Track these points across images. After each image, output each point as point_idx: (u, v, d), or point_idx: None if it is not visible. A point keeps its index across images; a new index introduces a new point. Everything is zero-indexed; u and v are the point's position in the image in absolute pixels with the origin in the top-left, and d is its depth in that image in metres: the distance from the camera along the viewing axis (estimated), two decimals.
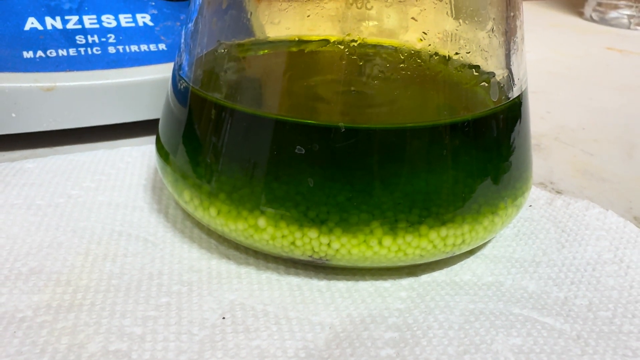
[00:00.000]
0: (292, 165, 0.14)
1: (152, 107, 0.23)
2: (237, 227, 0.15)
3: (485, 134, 0.15)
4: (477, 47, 0.14)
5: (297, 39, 0.15)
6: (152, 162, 0.21)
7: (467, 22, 0.14)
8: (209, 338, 0.12)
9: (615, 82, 0.38)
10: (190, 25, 0.16)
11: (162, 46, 0.24)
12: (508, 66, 0.15)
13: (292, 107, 0.14)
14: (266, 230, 0.14)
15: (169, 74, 0.23)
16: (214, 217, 0.15)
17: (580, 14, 0.62)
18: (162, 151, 0.17)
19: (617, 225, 0.18)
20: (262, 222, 0.14)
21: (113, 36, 0.23)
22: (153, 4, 0.25)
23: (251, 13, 0.16)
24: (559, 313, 0.14)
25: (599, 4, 0.58)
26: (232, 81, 0.15)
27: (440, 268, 0.16)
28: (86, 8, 0.23)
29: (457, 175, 0.14)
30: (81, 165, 0.20)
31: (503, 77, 0.15)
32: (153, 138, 0.24)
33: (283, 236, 0.14)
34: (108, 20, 0.23)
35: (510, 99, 0.15)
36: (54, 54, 0.22)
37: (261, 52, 0.17)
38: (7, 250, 0.15)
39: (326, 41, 0.14)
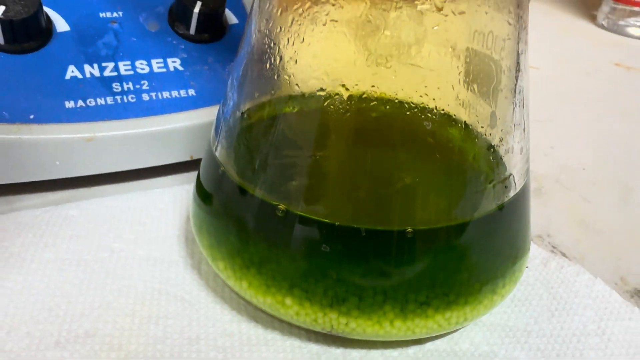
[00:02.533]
0: (318, 258, 0.16)
1: (181, 152, 0.25)
2: (265, 301, 0.17)
3: (490, 229, 0.17)
4: (490, 155, 0.16)
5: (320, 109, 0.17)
6: (182, 209, 0.23)
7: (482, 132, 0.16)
8: None
9: (619, 108, 0.39)
10: (226, 111, 0.18)
11: (191, 92, 0.25)
12: (516, 169, 0.17)
13: (316, 206, 0.16)
14: (292, 307, 0.16)
15: (198, 121, 0.25)
16: (244, 288, 0.17)
17: (593, 18, 0.63)
18: (197, 217, 0.19)
19: (603, 294, 0.20)
20: (288, 300, 0.16)
21: (146, 83, 0.25)
22: (182, 47, 0.26)
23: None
24: None
25: (612, 11, 0.59)
26: (258, 171, 0.17)
27: (443, 336, 0.18)
28: (121, 54, 0.25)
29: (462, 266, 0.16)
30: (119, 213, 0.22)
31: (511, 178, 0.17)
32: (181, 177, 0.26)
33: (307, 314, 0.16)
34: (141, 66, 0.25)
35: (514, 193, 0.17)
36: (93, 103, 0.23)
37: (286, 126, 0.19)
38: (64, 310, 0.17)
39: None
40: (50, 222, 0.21)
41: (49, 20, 0.24)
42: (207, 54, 0.26)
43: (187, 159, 0.25)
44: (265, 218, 0.16)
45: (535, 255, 0.22)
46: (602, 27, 0.60)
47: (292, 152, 0.17)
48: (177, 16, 0.26)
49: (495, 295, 0.17)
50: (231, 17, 0.28)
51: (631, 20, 0.57)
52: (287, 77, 0.17)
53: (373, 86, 0.16)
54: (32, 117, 0.22)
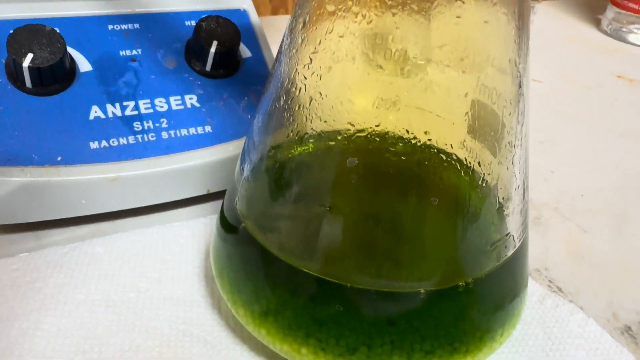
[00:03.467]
0: (331, 313, 0.17)
1: (198, 186, 0.26)
2: (282, 348, 0.18)
3: (491, 284, 0.18)
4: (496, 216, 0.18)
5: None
6: (201, 244, 0.24)
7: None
8: None
9: (619, 125, 0.40)
10: (245, 169, 0.19)
11: (207, 128, 0.26)
12: (515, 228, 0.18)
13: (330, 268, 0.17)
14: (307, 356, 0.18)
15: (215, 158, 0.26)
16: (263, 335, 0.19)
17: (597, 22, 0.63)
18: (218, 261, 0.20)
19: (595, 334, 0.21)
20: (304, 350, 0.18)
21: (165, 120, 0.26)
22: (199, 83, 0.27)
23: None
24: None
25: (616, 17, 0.59)
26: (277, 231, 0.18)
27: None
28: (141, 92, 0.26)
29: (464, 318, 0.18)
30: (142, 250, 0.23)
31: (510, 237, 0.18)
32: (198, 208, 0.27)
33: None
34: (160, 104, 0.26)
35: (513, 251, 0.18)
36: (116, 143, 0.24)
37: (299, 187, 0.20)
38: (97, 353, 0.19)
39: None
40: (78, 261, 0.22)
41: (72, 60, 0.25)
42: (222, 89, 0.28)
43: (204, 192, 0.26)
44: (283, 274, 0.18)
45: (532, 292, 0.23)
46: (605, 33, 0.60)
47: (305, 211, 0.18)
48: (194, 53, 0.27)
49: (495, 343, 0.19)
50: (245, 51, 0.29)
51: (633, 28, 0.58)
52: (308, 126, 0.18)
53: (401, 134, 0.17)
54: (59, 158, 0.23)
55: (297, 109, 0.17)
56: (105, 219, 0.25)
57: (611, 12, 0.60)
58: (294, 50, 0.17)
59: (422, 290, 0.17)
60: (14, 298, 0.20)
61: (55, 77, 0.24)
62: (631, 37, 0.58)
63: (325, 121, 0.17)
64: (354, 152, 0.17)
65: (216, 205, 0.27)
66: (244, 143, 0.20)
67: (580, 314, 0.22)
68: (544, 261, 0.26)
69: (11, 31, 0.23)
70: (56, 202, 0.24)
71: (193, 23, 0.29)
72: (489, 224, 0.17)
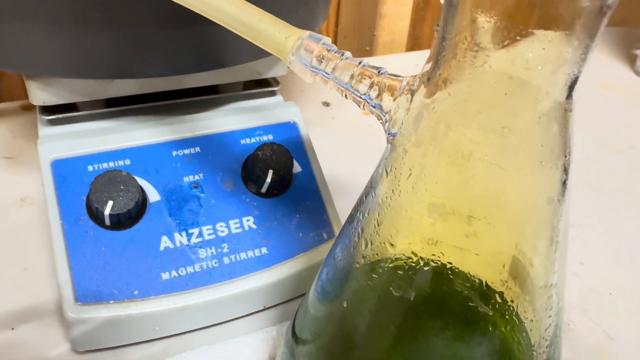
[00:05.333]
0: None
1: (255, 304, 0.29)
2: None
3: None
4: None
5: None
6: None
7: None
8: None
9: None
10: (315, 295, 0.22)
11: (264, 250, 0.29)
12: None
13: None
14: None
15: (271, 279, 0.28)
16: None
17: (632, 59, 0.63)
18: None
19: None
20: None
21: (226, 245, 0.28)
22: (255, 203, 0.30)
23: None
24: None
25: None
26: None
27: None
28: (204, 218, 0.29)
29: None
30: None
31: None
32: (254, 319, 0.30)
33: None
34: (221, 229, 0.29)
35: None
36: (184, 272, 0.27)
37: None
38: None
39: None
40: None
41: (143, 192, 0.28)
42: (275, 208, 0.30)
43: (261, 308, 0.29)
44: None
45: None
46: (638, 74, 0.61)
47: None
48: (250, 177, 0.29)
49: None
50: (295, 166, 0.31)
51: None
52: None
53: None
54: (136, 292, 0.26)
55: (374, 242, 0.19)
56: (173, 336, 0.28)
57: None
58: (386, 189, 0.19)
59: None
60: None
61: (131, 215, 0.27)
62: None
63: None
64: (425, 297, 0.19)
65: (270, 315, 0.30)
66: (321, 271, 0.22)
67: None
68: None
69: (93, 179, 0.26)
70: (133, 330, 0.26)
71: (248, 141, 0.31)
72: None
